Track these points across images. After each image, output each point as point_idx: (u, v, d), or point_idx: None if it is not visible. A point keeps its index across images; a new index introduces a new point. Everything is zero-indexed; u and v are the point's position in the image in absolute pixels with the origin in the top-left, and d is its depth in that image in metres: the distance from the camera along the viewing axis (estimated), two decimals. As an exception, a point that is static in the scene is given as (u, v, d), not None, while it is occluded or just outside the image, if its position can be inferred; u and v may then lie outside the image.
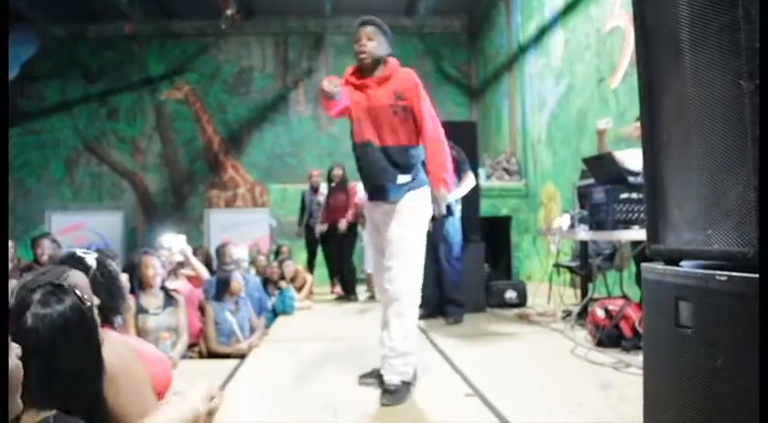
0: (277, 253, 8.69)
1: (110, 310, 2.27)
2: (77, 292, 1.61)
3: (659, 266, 1.79)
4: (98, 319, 1.71)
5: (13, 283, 1.79)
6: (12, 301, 1.59)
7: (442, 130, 3.55)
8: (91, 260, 2.30)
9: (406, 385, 3.36)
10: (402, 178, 3.45)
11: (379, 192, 3.52)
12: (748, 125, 1.39)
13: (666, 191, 1.80)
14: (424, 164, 3.55)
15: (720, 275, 1.45)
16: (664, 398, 1.73)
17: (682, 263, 1.77)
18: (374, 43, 3.51)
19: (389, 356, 3.39)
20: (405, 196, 3.46)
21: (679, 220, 1.72)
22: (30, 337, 1.46)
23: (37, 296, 1.54)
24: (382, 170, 3.47)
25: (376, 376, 3.56)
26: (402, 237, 3.40)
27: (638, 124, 5.19)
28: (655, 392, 1.80)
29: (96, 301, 1.74)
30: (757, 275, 1.35)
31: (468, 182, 5.85)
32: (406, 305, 3.41)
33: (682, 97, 1.69)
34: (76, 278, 1.87)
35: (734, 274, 1.43)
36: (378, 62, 3.54)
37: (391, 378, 3.35)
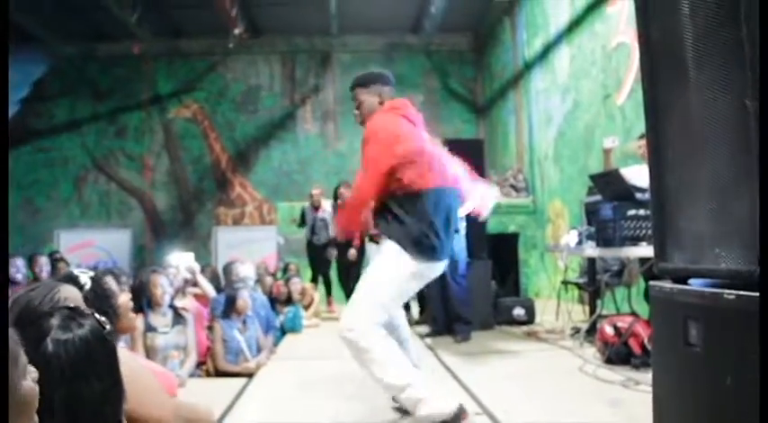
0: (285, 270, 8.71)
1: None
2: (96, 315, 1.61)
3: (667, 285, 1.79)
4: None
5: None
6: (10, 317, 1.59)
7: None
8: (85, 278, 2.31)
9: None
10: None
11: None
12: (753, 145, 1.39)
13: (673, 208, 1.80)
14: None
15: (729, 294, 1.45)
16: (673, 416, 1.73)
17: (690, 281, 1.76)
18: (363, 106, 3.45)
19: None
20: None
21: (686, 238, 1.71)
22: (52, 363, 1.45)
23: (56, 321, 1.53)
24: None
25: None
26: None
27: (643, 141, 5.23)
28: (664, 411, 1.79)
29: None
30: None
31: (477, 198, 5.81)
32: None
33: (687, 114, 1.69)
34: (68, 293, 1.88)
35: (742, 293, 1.43)
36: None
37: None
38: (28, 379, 1.11)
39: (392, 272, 3.13)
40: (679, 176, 1.77)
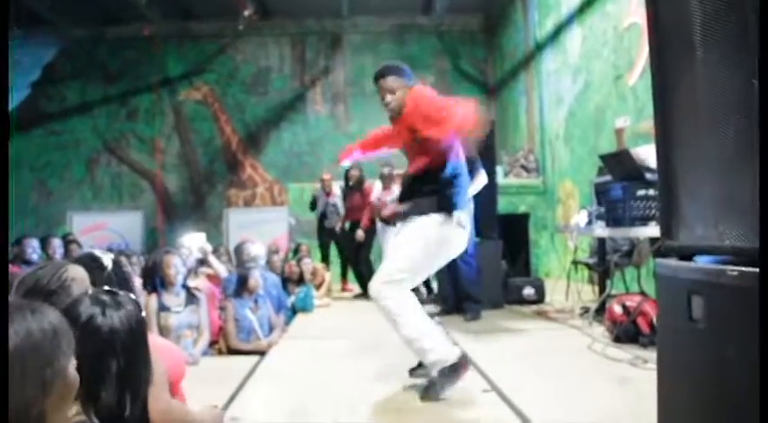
0: (296, 251, 8.77)
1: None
2: (132, 296, 1.66)
3: (672, 262, 1.82)
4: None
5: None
6: (14, 295, 1.63)
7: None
8: (107, 260, 2.36)
9: (443, 377, 3.26)
10: None
11: None
12: (758, 124, 1.41)
13: (679, 187, 1.82)
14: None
15: (731, 270, 1.47)
16: (677, 390, 1.76)
17: (695, 258, 1.79)
18: (395, 95, 3.49)
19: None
20: None
21: (692, 217, 1.74)
22: (109, 337, 1.50)
23: (97, 303, 1.58)
24: None
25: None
26: None
27: None
28: (669, 385, 1.83)
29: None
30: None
31: (480, 179, 5.79)
32: None
33: (694, 94, 1.71)
34: (75, 273, 1.92)
35: (744, 269, 1.46)
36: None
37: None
38: (70, 367, 1.14)
39: (421, 240, 3.36)
40: (685, 155, 1.79)
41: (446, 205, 3.39)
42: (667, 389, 1.84)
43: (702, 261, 1.74)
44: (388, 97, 3.50)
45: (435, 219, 3.38)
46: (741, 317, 1.44)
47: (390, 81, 3.52)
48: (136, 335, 1.58)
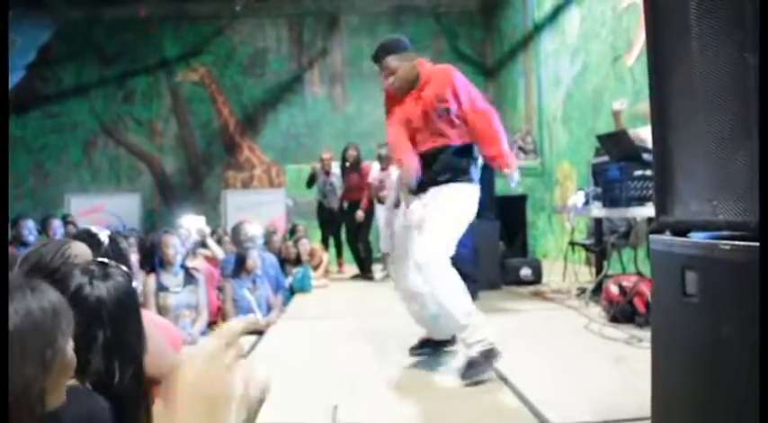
0: (293, 232, 8.78)
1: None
2: (124, 268, 1.66)
3: (666, 238, 1.83)
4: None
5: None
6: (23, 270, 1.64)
7: None
8: (104, 237, 2.37)
9: (486, 358, 3.27)
10: None
11: None
12: (752, 98, 1.42)
13: (674, 163, 1.82)
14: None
15: (724, 245, 1.48)
16: (671, 366, 1.77)
17: (690, 234, 1.80)
18: (397, 74, 3.56)
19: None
20: None
21: (686, 192, 1.74)
22: (96, 307, 1.51)
23: (86, 273, 1.59)
24: None
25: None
26: None
27: None
28: (662, 361, 1.84)
29: None
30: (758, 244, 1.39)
31: None
32: None
33: (690, 71, 1.71)
34: (78, 250, 1.93)
35: (737, 243, 1.46)
36: (413, 80, 3.59)
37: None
38: (68, 348, 1.14)
39: (455, 210, 3.49)
40: (680, 132, 1.80)
41: (471, 178, 3.59)
42: (661, 364, 1.85)
43: (697, 237, 1.75)
44: (391, 78, 3.57)
45: (466, 189, 3.55)
46: (735, 291, 1.45)
47: (389, 61, 3.56)
48: (124, 305, 1.59)
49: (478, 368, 3.22)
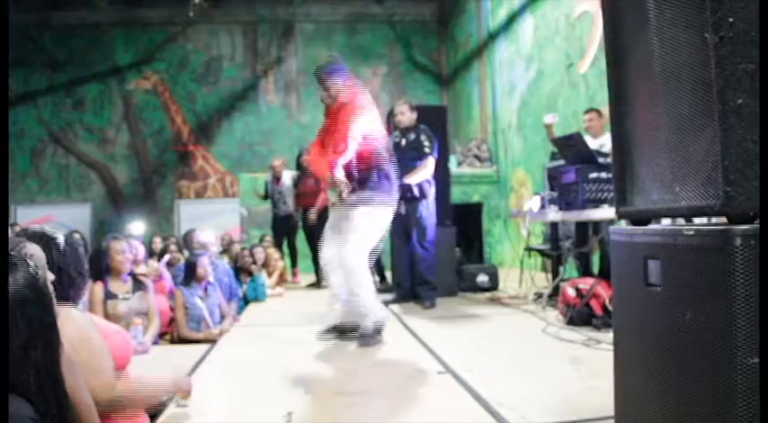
0: (261, 242, 8.61)
1: (73, 289, 2.23)
2: (30, 262, 1.56)
3: (627, 228, 1.79)
4: (52, 293, 1.66)
5: None
6: None
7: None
8: (61, 238, 2.25)
9: (377, 334, 4.18)
10: None
11: None
12: (713, 79, 1.39)
13: (634, 153, 1.79)
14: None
15: (687, 230, 1.45)
16: (635, 357, 1.73)
17: (650, 225, 1.77)
18: (330, 90, 4.26)
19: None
20: None
21: (647, 181, 1.71)
22: None
23: None
24: None
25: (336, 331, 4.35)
26: None
27: (589, 115, 5.63)
28: (626, 353, 1.80)
29: (51, 276, 1.70)
30: (722, 226, 1.36)
31: (427, 167, 5.66)
32: None
33: (648, 58, 1.68)
34: (33, 250, 1.82)
35: (701, 227, 1.43)
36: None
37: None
38: None
39: (374, 222, 4.26)
40: (639, 119, 1.77)
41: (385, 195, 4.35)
42: (625, 355, 1.81)
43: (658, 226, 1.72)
44: (323, 95, 4.32)
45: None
46: (699, 277, 1.41)
47: (324, 81, 4.26)
48: (24, 298, 1.49)
49: (371, 339, 4.11)
